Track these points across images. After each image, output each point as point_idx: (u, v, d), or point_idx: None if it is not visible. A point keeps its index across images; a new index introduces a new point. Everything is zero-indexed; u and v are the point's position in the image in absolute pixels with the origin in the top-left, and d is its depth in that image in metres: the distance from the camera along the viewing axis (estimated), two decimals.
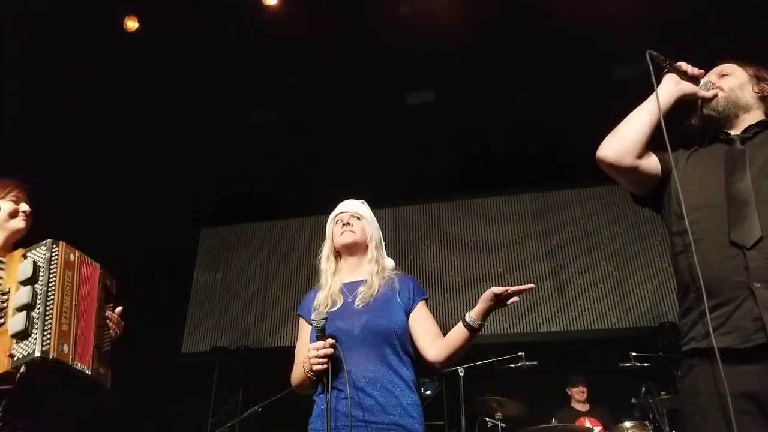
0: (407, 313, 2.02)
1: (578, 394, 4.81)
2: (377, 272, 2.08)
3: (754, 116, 1.67)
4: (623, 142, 1.64)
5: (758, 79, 1.71)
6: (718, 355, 1.35)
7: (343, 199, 2.26)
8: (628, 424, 3.97)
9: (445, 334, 2.01)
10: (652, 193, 1.70)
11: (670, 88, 1.69)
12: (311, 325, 1.91)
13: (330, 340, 1.84)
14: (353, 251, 2.12)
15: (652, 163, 1.67)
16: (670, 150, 1.62)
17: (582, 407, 4.79)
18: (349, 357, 1.88)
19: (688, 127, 1.76)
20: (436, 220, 6.54)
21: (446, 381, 5.08)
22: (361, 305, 1.99)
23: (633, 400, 4.22)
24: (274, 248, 6.90)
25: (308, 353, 1.85)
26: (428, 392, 5.79)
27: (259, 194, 6.44)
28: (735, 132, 1.66)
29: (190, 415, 5.60)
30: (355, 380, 1.87)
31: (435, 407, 5.68)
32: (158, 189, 5.65)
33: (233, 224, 7.16)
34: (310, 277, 6.67)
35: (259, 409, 4.01)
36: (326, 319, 1.86)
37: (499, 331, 5.84)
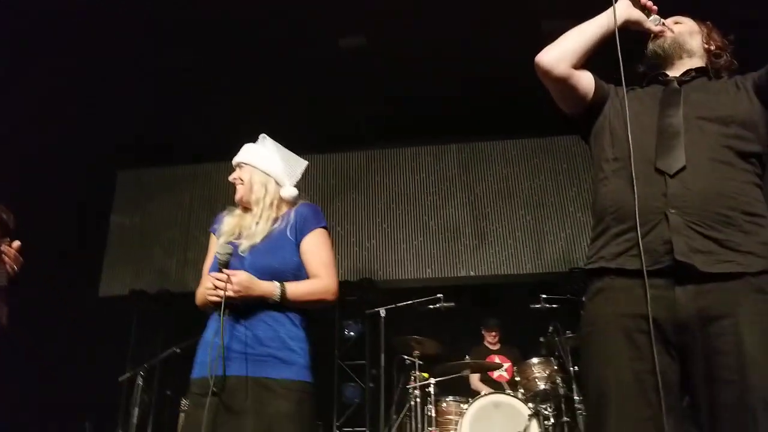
0: (299, 245, 2.01)
1: (490, 336, 5.09)
2: (266, 212, 2.06)
3: (694, 62, 1.71)
4: (563, 48, 1.67)
5: (709, 35, 1.75)
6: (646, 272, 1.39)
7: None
8: (534, 360, 4.26)
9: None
10: (581, 115, 1.73)
11: (622, 9, 1.69)
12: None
13: (229, 274, 1.84)
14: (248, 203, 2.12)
15: (585, 79, 1.69)
16: (621, 63, 1.61)
17: (493, 346, 5.08)
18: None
19: (636, 71, 1.76)
20: (365, 169, 6.57)
21: (368, 322, 5.24)
22: (248, 247, 1.97)
23: (540, 339, 4.52)
24: (197, 192, 6.73)
25: (206, 282, 1.89)
26: (351, 333, 5.97)
27: (182, 137, 6.23)
28: (673, 74, 1.69)
29: (107, 357, 5.51)
30: (239, 314, 1.88)
31: (358, 347, 5.89)
32: (78, 130, 5.37)
33: (154, 167, 6.90)
34: None
35: (178, 351, 4.00)
36: (231, 254, 1.88)
37: (421, 276, 6.04)
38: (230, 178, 2.14)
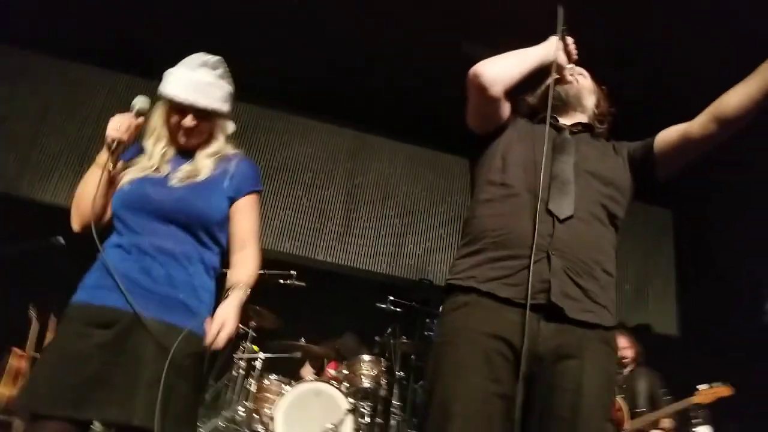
0: (232, 201, 1.88)
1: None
2: (210, 154, 1.90)
3: (582, 118, 1.83)
4: (505, 71, 1.67)
5: (601, 99, 1.88)
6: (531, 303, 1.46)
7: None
8: (365, 357, 4.31)
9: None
10: (483, 135, 1.76)
11: (554, 49, 1.76)
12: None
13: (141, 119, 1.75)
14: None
15: (506, 106, 1.74)
16: (549, 108, 1.69)
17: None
18: (150, 226, 1.75)
19: (523, 98, 1.86)
20: (253, 125, 6.28)
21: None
22: (179, 183, 1.81)
23: (376, 338, 4.61)
24: (60, 93, 6.00)
25: (112, 122, 1.77)
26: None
27: (62, 28, 5.51)
28: (564, 122, 1.81)
29: None
30: (148, 247, 1.72)
31: None
32: None
33: (22, 49, 6.02)
34: (96, 137, 6.02)
35: None
36: (148, 110, 1.80)
37: (279, 248, 5.91)
38: (185, 124, 1.83)
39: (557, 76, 1.78)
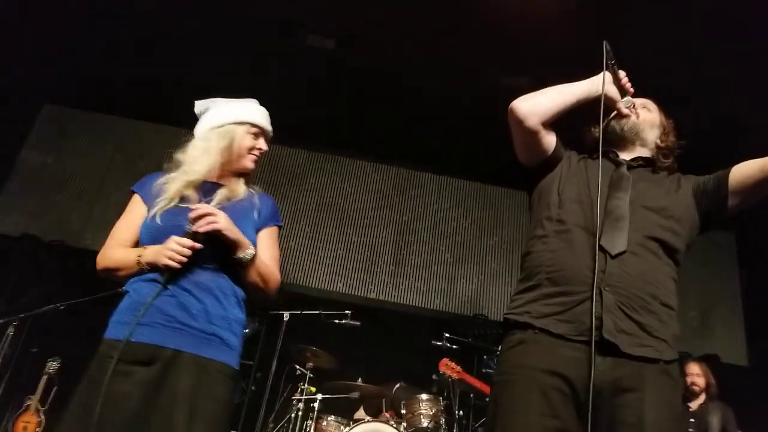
0: (257, 232, 1.93)
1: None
2: (244, 181, 1.97)
3: (644, 152, 1.80)
4: (540, 103, 1.69)
5: (666, 133, 1.83)
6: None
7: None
8: (423, 396, 4.25)
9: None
10: (533, 168, 1.78)
11: (599, 83, 1.73)
12: (147, 204, 1.84)
13: (198, 246, 1.72)
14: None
15: (549, 138, 1.75)
16: (601, 144, 1.67)
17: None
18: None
19: (584, 131, 1.84)
20: (303, 167, 6.44)
21: (268, 322, 5.07)
22: (224, 201, 1.86)
23: (434, 377, 4.54)
24: (122, 147, 6.33)
25: (170, 244, 1.69)
26: (247, 330, 5.76)
27: (119, 86, 5.86)
28: (624, 156, 1.78)
29: None
30: (185, 281, 1.73)
31: (248, 347, 5.69)
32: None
33: (86, 109, 6.40)
34: None
35: (62, 308, 3.69)
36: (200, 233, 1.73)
37: (332, 288, 5.96)
38: (259, 146, 1.97)
39: (611, 110, 1.77)
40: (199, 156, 1.89)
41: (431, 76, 5.16)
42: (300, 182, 6.33)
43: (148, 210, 1.85)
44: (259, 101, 2.08)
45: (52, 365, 4.34)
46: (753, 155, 1.66)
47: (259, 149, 1.98)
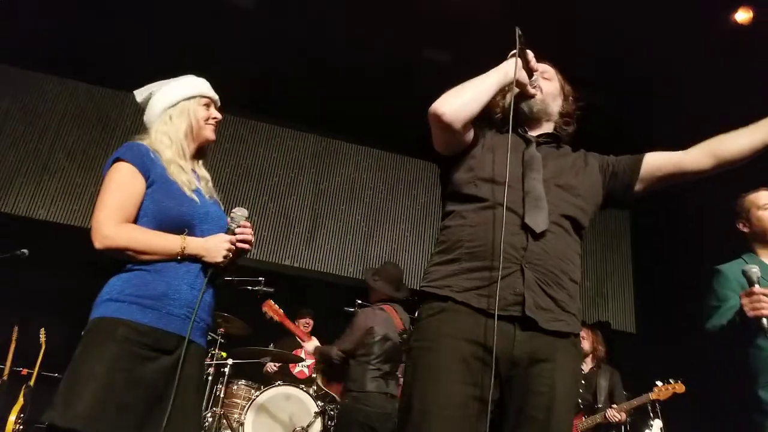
0: None
1: (303, 325, 5.05)
2: (205, 164, 2.05)
3: (549, 126, 1.84)
4: (465, 107, 1.64)
5: (566, 99, 1.87)
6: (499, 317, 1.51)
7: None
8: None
9: None
10: (451, 156, 1.75)
11: (511, 69, 1.70)
12: (145, 178, 1.80)
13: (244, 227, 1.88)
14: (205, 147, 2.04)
15: (470, 133, 1.74)
16: (511, 127, 1.68)
17: (304, 338, 5.05)
18: None
19: (491, 106, 1.80)
20: (219, 133, 6.25)
21: None
22: (208, 197, 1.94)
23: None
24: (18, 102, 5.88)
25: (224, 244, 1.80)
26: None
27: (17, 37, 5.41)
28: (531, 132, 1.81)
29: None
30: (200, 271, 1.82)
31: None
32: None
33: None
34: (56, 148, 5.93)
35: None
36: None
37: (248, 256, 5.87)
38: (213, 115, 2.02)
39: (522, 95, 1.79)
40: (168, 142, 1.92)
41: (353, 46, 5.14)
42: (216, 147, 6.17)
43: (151, 184, 1.81)
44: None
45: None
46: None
47: (215, 118, 2.03)
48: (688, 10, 4.29)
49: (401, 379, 3.48)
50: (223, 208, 2.01)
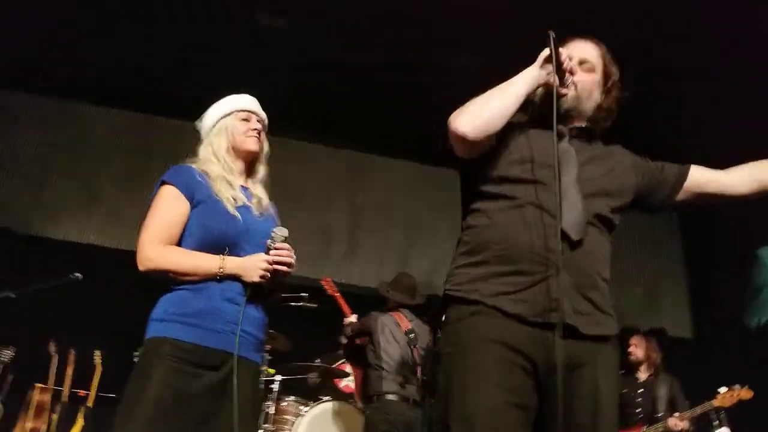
0: None
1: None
2: (261, 181, 2.05)
3: (579, 122, 1.74)
4: (489, 124, 1.57)
5: (608, 92, 1.74)
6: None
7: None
8: None
9: None
10: (478, 157, 1.66)
11: (542, 75, 1.63)
12: (188, 200, 1.82)
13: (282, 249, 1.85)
14: (251, 160, 2.04)
15: (494, 137, 1.63)
16: (556, 138, 1.56)
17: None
18: None
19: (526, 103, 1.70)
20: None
21: None
22: (259, 215, 1.93)
23: None
24: (64, 132, 6.05)
25: (262, 264, 1.79)
26: None
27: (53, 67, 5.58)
28: (563, 126, 1.68)
29: None
30: (255, 296, 1.84)
31: None
32: None
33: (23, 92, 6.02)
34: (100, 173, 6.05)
35: (13, 296, 3.57)
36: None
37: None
38: (252, 127, 2.00)
39: (556, 92, 1.65)
40: (215, 159, 1.95)
41: (376, 58, 5.15)
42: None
43: (197, 204, 1.84)
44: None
45: (6, 354, 4.23)
46: None
47: (255, 129, 2.01)
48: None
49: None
50: (279, 224, 2.00)
